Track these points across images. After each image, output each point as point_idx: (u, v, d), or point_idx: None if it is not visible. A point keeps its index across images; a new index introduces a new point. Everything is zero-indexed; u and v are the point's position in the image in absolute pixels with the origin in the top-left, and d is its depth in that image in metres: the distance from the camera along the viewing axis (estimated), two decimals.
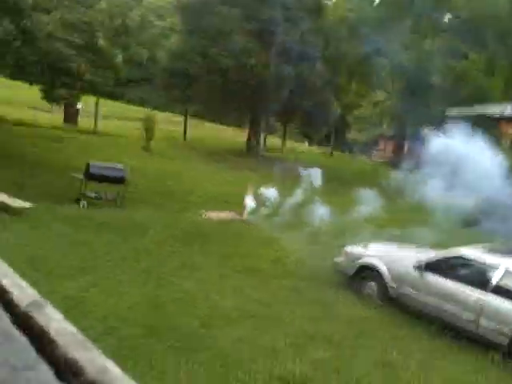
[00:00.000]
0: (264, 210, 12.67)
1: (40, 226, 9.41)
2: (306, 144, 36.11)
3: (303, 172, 13.28)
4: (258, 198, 12.89)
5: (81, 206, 11.32)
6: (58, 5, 13.22)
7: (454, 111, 21.21)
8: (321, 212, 11.59)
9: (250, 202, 12.76)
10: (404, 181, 10.92)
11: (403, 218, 12.91)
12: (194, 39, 21.79)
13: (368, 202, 11.18)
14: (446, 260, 7.83)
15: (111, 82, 19.21)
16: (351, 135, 42.42)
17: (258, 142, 23.92)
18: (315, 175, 13.11)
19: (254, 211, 12.71)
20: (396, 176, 11.42)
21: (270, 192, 12.81)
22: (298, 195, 12.50)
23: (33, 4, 11.90)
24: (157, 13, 52.84)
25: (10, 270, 1.11)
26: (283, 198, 12.64)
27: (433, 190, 9.92)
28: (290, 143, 27.38)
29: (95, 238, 9.28)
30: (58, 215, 10.28)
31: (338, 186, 13.58)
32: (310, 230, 10.97)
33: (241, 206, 13.38)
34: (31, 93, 18.67)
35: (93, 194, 11.83)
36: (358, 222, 10.85)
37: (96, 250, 8.61)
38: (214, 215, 12.24)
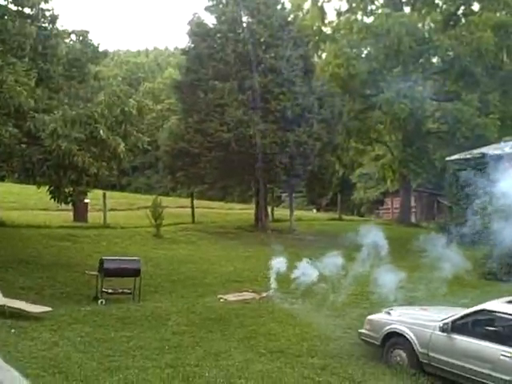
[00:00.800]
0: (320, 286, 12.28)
1: (59, 329, 9.39)
2: (314, 211, 36.17)
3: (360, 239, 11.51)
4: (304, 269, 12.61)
5: (99, 303, 11.29)
6: (59, 103, 13.72)
7: (454, 156, 21.42)
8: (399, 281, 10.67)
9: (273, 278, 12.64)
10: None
11: None
12: (191, 117, 22.24)
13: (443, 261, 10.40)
14: (471, 317, 7.68)
15: (116, 173, 19.51)
16: (357, 195, 42.65)
17: (266, 215, 24.03)
18: (379, 241, 11.40)
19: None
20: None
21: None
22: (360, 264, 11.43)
23: (34, 106, 12.42)
24: (155, 96, 54.88)
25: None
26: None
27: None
28: (298, 212, 27.43)
29: (116, 335, 9.23)
30: (76, 315, 10.28)
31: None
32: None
33: (258, 283, 13.36)
34: (40, 196, 19.08)
35: (109, 290, 11.83)
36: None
37: (118, 348, 8.53)
38: (232, 297, 12.17)
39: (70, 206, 19.27)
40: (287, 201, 30.26)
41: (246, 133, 20.97)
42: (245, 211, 27.93)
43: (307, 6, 29.41)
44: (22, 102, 11.78)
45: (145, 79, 62.72)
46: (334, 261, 12.27)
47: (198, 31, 23.19)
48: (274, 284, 12.69)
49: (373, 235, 11.01)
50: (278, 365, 8.01)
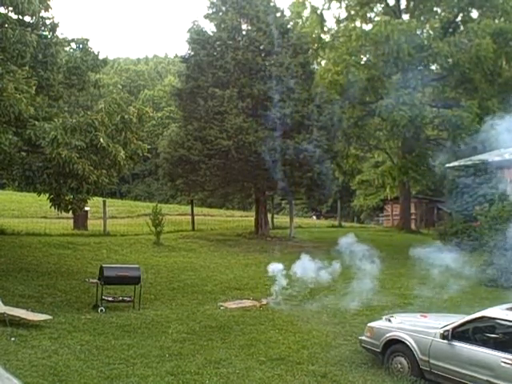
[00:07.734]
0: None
1: (60, 337, 9.37)
2: (314, 218, 36.18)
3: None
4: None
5: (99, 311, 11.27)
6: (59, 111, 13.69)
7: (453, 163, 21.44)
8: None
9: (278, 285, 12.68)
10: None
11: None
12: (191, 124, 22.26)
13: None
14: (471, 324, 7.67)
15: (116, 180, 19.58)
16: (356, 202, 42.65)
17: (266, 223, 24.02)
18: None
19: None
20: None
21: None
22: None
23: (34, 114, 12.43)
24: (155, 103, 55.14)
25: None
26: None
27: None
28: (297, 219, 27.43)
29: (116, 343, 9.21)
30: (76, 323, 10.26)
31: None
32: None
33: (258, 290, 13.33)
34: (40, 203, 19.08)
35: (110, 298, 11.80)
36: None
37: (118, 356, 8.51)
38: (232, 305, 12.14)
39: (69, 214, 19.27)
40: (287, 208, 30.23)
41: (246, 140, 21.01)
42: (245, 218, 27.94)
43: (306, 13, 29.52)
44: (22, 110, 11.83)
45: (145, 87, 63.04)
46: (331, 268, 12.33)
47: (198, 39, 23.29)
48: (273, 291, 12.69)
49: (372, 243, 11.05)
50: (278, 372, 7.99)
